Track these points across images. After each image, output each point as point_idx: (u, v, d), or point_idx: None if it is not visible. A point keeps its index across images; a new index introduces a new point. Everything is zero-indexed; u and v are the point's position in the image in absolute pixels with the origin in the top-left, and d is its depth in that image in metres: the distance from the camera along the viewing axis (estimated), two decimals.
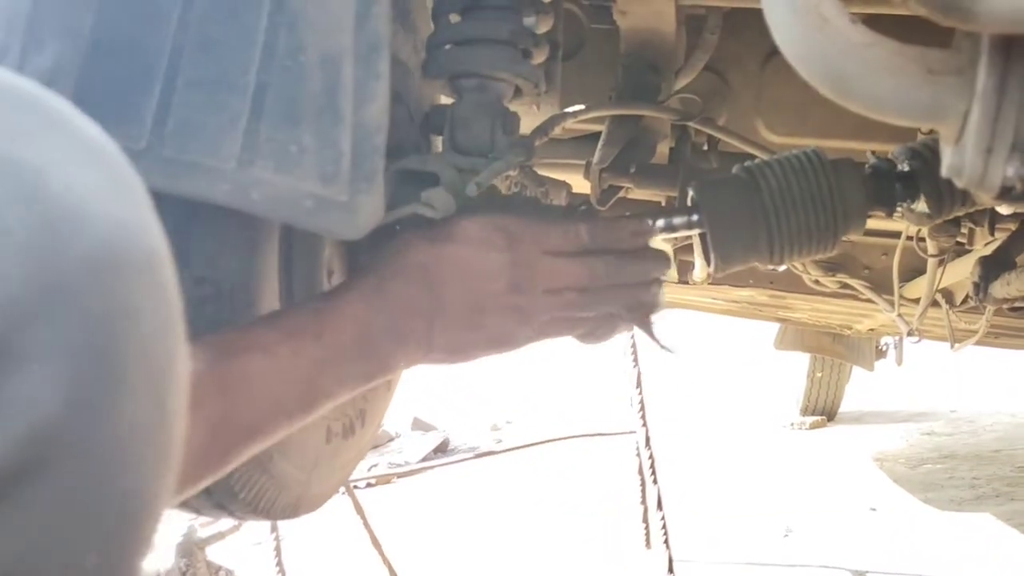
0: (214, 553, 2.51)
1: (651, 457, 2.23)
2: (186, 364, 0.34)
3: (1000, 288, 1.27)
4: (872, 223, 1.00)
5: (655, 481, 2.21)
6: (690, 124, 1.50)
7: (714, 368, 7.25)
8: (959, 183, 0.51)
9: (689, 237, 1.07)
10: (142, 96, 0.61)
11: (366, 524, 2.33)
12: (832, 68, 0.51)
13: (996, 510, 3.28)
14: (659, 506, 2.17)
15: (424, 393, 5.52)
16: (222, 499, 0.84)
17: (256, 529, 2.64)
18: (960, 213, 1.06)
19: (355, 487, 4.21)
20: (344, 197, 0.65)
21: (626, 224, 0.82)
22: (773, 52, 1.56)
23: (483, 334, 0.74)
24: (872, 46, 0.50)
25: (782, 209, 0.87)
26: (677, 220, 0.98)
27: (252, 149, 0.61)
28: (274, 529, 2.32)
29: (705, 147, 1.68)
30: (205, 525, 2.31)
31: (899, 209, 0.96)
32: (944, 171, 0.52)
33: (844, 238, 0.93)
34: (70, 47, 0.62)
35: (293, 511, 0.97)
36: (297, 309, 0.69)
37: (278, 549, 2.31)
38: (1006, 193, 0.50)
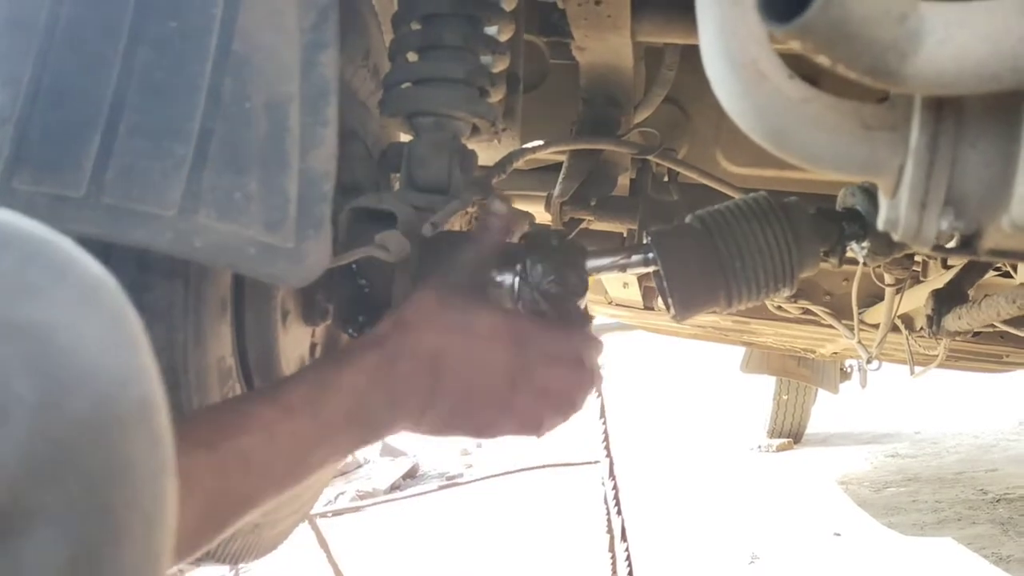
0: None
1: (615, 487, 2.23)
2: (175, 498, 0.36)
3: (952, 321, 1.29)
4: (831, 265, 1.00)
5: (619, 512, 2.20)
6: (650, 157, 1.52)
7: (682, 392, 7.28)
8: (895, 237, 0.51)
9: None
10: (82, 143, 0.60)
11: (330, 558, 2.30)
12: (770, 123, 0.51)
13: (957, 534, 3.31)
14: (623, 536, 2.16)
15: None
16: None
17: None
18: (911, 250, 1.07)
19: (323, 515, 4.15)
20: (290, 244, 0.64)
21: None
22: None
23: (469, 422, 0.77)
24: (809, 101, 0.51)
25: (738, 258, 0.88)
26: (633, 258, 0.99)
27: (195, 196, 0.60)
28: (233, 566, 2.27)
29: (666, 178, 1.70)
30: None
31: (850, 248, 0.97)
32: (880, 225, 0.52)
33: (800, 277, 0.94)
34: (10, 94, 0.61)
35: (246, 555, 0.95)
36: (298, 383, 0.70)
37: None
38: (941, 246, 0.51)
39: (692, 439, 5.70)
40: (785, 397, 5.29)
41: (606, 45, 1.29)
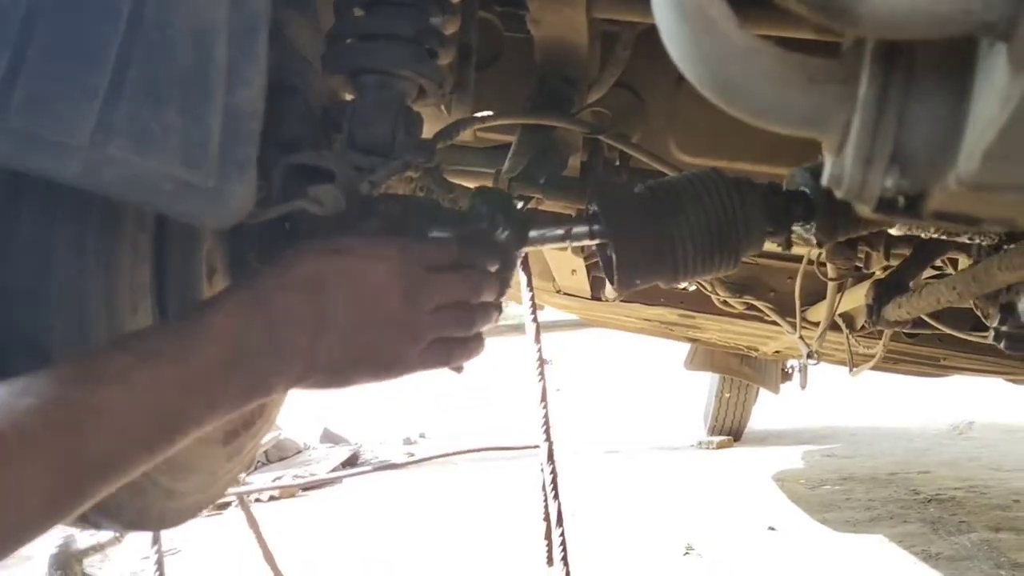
0: (92, 566, 2.36)
1: (553, 472, 2.22)
2: None
3: (892, 311, 1.30)
4: (778, 246, 1.00)
5: (556, 497, 2.19)
6: (602, 138, 1.50)
7: (628, 388, 7.33)
8: (838, 193, 0.50)
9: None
10: None
11: (259, 538, 2.25)
12: (716, 73, 0.49)
13: (889, 532, 3.38)
14: (559, 522, 2.15)
15: (335, 404, 5.40)
16: None
17: (143, 542, 2.52)
18: (854, 235, 1.07)
19: (257, 499, 4.08)
20: (211, 183, 0.60)
21: (476, 240, 0.84)
22: None
23: (369, 354, 0.71)
24: (756, 52, 0.49)
25: (685, 228, 0.86)
26: (578, 229, 0.97)
27: (108, 126, 0.56)
28: (156, 541, 2.21)
29: (617, 162, 1.68)
30: (83, 535, 2.17)
31: (795, 231, 0.96)
32: (824, 180, 0.51)
33: (745, 255, 0.93)
34: None
35: (161, 521, 0.91)
36: (161, 328, 0.64)
37: (160, 563, 2.20)
38: (884, 205, 0.50)
39: (635, 434, 5.74)
40: (728, 395, 5.35)
41: (561, 18, 1.26)
